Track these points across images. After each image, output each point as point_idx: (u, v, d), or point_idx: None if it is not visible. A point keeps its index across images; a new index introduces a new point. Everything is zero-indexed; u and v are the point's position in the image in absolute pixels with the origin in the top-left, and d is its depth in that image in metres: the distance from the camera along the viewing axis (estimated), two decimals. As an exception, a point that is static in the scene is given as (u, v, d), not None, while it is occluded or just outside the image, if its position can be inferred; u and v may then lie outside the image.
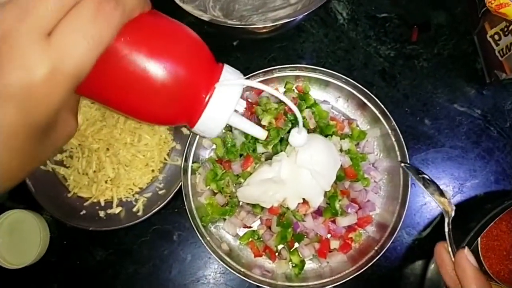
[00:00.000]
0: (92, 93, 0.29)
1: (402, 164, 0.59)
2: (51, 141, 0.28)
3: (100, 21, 0.24)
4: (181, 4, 0.56)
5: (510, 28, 0.57)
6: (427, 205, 0.65)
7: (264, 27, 0.58)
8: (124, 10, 0.25)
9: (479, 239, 0.57)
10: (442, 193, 0.53)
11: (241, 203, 0.63)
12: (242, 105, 0.34)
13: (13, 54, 0.22)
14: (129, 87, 0.28)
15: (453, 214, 0.52)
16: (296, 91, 0.66)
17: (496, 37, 0.62)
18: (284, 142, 0.61)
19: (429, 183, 0.54)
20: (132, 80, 0.27)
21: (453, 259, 0.46)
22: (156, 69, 0.27)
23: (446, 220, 0.52)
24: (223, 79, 0.32)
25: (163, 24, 0.30)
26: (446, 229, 0.51)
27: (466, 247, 0.44)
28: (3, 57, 0.22)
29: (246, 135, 0.63)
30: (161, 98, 0.29)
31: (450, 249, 0.47)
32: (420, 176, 0.55)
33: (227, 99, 0.32)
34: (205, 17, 0.55)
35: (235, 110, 0.33)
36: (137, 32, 0.27)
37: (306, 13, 0.56)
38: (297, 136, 0.44)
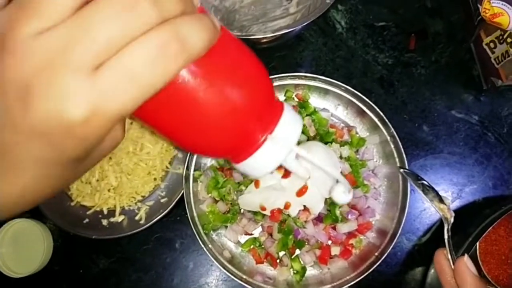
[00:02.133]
0: (140, 116, 0.27)
1: (402, 170, 0.60)
2: (92, 159, 0.26)
3: (159, 65, 0.20)
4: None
5: (505, 36, 0.58)
6: (427, 211, 0.66)
7: (264, 37, 0.59)
8: (190, 52, 0.21)
9: (477, 244, 0.58)
10: (441, 200, 0.54)
11: (242, 210, 0.63)
12: (293, 154, 0.31)
13: (52, 87, 0.19)
14: (181, 115, 0.25)
15: (452, 220, 0.52)
16: (296, 99, 0.67)
17: (492, 45, 0.63)
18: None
19: (428, 190, 0.55)
20: (186, 109, 0.25)
21: (452, 266, 0.46)
22: (215, 100, 0.25)
23: (446, 226, 0.52)
24: (279, 131, 0.28)
25: (232, 51, 0.27)
26: (446, 236, 0.51)
27: (466, 255, 0.45)
28: (41, 89, 0.19)
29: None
30: (213, 131, 0.26)
31: (449, 256, 0.48)
32: (419, 182, 0.56)
33: (277, 153, 0.28)
34: (206, 28, 0.56)
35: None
36: (202, 59, 0.24)
37: (305, 24, 0.57)
38: (344, 195, 0.40)
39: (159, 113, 0.26)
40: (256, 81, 0.28)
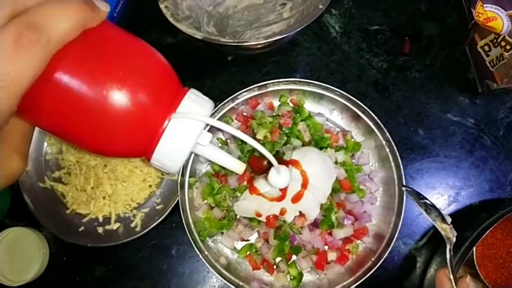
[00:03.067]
0: (34, 121, 0.26)
1: (404, 188, 0.59)
2: None
3: (19, 56, 0.20)
4: (174, 23, 0.57)
5: (499, 40, 0.58)
6: (423, 215, 0.65)
7: (258, 44, 0.59)
8: (50, 39, 0.21)
9: (474, 248, 0.58)
10: (443, 219, 0.53)
11: (238, 216, 0.63)
12: (207, 137, 0.30)
13: None
14: (69, 115, 0.25)
15: (454, 240, 0.52)
16: (290, 104, 0.67)
17: (486, 48, 0.63)
18: (279, 155, 0.62)
19: (430, 209, 0.54)
20: (71, 107, 0.24)
21: (454, 287, 0.46)
22: (97, 94, 0.24)
23: (448, 246, 0.52)
24: (183, 108, 0.28)
25: (109, 41, 0.26)
26: (448, 256, 0.51)
27: (469, 276, 0.44)
28: None
29: (242, 149, 0.63)
30: (107, 127, 0.25)
31: (451, 276, 0.47)
32: (422, 201, 0.55)
33: (186, 131, 0.27)
34: (199, 36, 0.56)
35: (199, 143, 0.30)
36: (74, 52, 0.23)
37: (298, 29, 0.57)
38: (277, 176, 0.38)
39: (48, 115, 0.25)
40: (146, 67, 0.27)
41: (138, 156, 0.29)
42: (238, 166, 0.33)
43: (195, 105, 0.28)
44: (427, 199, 0.55)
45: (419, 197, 0.56)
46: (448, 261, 0.50)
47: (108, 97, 0.24)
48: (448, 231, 0.53)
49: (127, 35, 0.28)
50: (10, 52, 0.20)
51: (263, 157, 0.62)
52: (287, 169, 0.38)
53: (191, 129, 0.27)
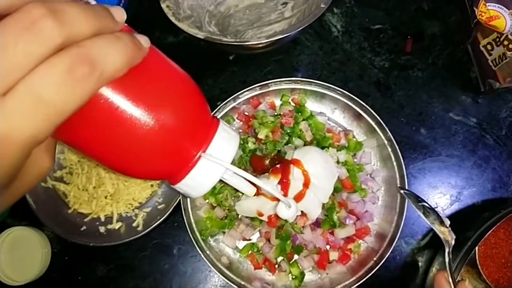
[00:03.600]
0: (65, 140, 0.26)
1: (402, 191, 0.59)
2: (18, 187, 0.25)
3: (69, 87, 0.20)
4: (176, 23, 0.57)
5: (501, 39, 0.58)
6: (411, 206, 0.66)
7: (259, 43, 0.59)
8: (102, 74, 0.21)
9: (477, 247, 0.57)
10: (442, 222, 0.53)
11: (240, 216, 0.63)
12: (229, 174, 0.32)
13: None
14: (106, 138, 0.25)
15: (453, 243, 0.52)
16: (292, 103, 0.67)
17: (489, 47, 0.63)
18: (281, 155, 0.62)
19: (429, 212, 0.54)
20: (111, 130, 0.24)
21: None
22: (139, 119, 0.24)
23: (447, 249, 0.52)
24: (213, 148, 0.29)
25: (156, 69, 0.26)
26: (447, 259, 0.50)
27: (467, 280, 0.44)
28: None
29: (243, 148, 0.63)
30: (141, 152, 0.26)
31: (450, 279, 0.47)
32: (420, 204, 0.55)
33: (214, 170, 0.29)
34: (200, 35, 0.56)
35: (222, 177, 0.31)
36: (124, 80, 0.23)
37: (300, 29, 0.57)
38: (286, 211, 0.40)
39: (84, 136, 0.25)
40: (186, 100, 0.27)
41: (159, 179, 0.30)
42: (250, 191, 0.35)
43: (224, 144, 0.29)
44: (425, 201, 0.55)
45: (417, 200, 0.56)
46: (446, 264, 0.50)
47: (149, 126, 0.25)
48: (446, 234, 0.52)
49: (167, 62, 0.28)
50: (60, 83, 0.19)
51: (264, 156, 0.62)
52: (294, 202, 0.41)
53: (219, 169, 0.29)
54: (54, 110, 0.20)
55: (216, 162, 0.28)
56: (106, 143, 0.25)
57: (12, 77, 0.19)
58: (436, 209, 0.65)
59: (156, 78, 0.26)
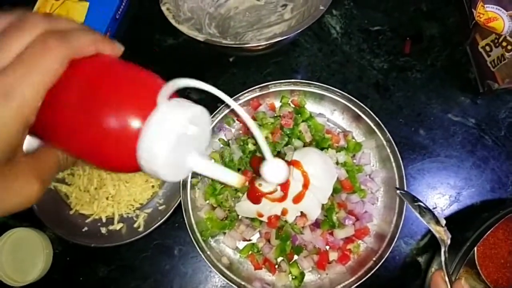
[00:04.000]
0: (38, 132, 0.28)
1: (398, 192, 0.59)
2: None
3: (48, 54, 0.25)
4: (176, 25, 0.57)
5: (500, 40, 0.58)
6: (408, 205, 0.66)
7: (259, 45, 0.59)
8: (72, 46, 0.26)
9: (475, 248, 0.58)
10: (438, 222, 0.53)
11: (240, 216, 0.64)
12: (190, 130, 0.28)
13: None
14: (64, 132, 0.27)
15: (449, 242, 0.52)
16: (292, 105, 0.67)
17: (488, 48, 0.63)
18: (281, 156, 0.62)
19: (425, 212, 0.54)
20: (65, 124, 0.27)
21: None
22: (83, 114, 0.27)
23: (443, 249, 0.52)
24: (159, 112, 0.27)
25: (107, 67, 0.29)
26: (443, 258, 0.51)
27: (463, 279, 0.45)
28: None
29: (243, 149, 0.64)
30: (93, 141, 0.27)
31: (447, 278, 0.48)
32: (416, 204, 0.55)
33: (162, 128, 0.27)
34: (200, 37, 0.56)
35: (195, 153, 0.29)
36: (75, 70, 0.27)
37: (299, 31, 0.57)
38: (271, 170, 0.33)
39: (48, 127, 0.28)
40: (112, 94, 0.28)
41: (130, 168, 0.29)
42: (237, 180, 0.30)
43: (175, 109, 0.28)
44: (421, 201, 0.55)
45: (413, 199, 0.56)
46: (443, 263, 0.50)
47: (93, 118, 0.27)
48: (442, 233, 0.53)
49: (125, 66, 0.29)
50: (42, 53, 0.25)
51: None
52: (282, 161, 0.34)
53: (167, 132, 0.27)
54: (42, 75, 0.25)
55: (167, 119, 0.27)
56: (61, 137, 0.28)
57: (8, 58, 0.25)
58: (435, 210, 0.65)
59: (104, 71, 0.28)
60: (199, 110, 0.29)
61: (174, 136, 0.27)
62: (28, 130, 0.27)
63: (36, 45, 0.25)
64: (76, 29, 0.27)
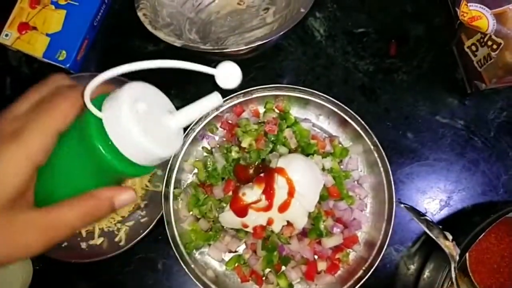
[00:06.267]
0: None
1: (402, 205, 0.58)
2: None
3: (60, 101, 0.28)
4: (152, 31, 0.56)
5: (485, 39, 0.57)
6: (414, 220, 0.64)
7: (240, 49, 0.57)
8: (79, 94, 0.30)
9: (467, 253, 0.56)
10: (446, 236, 0.52)
11: (225, 227, 0.62)
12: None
13: None
14: None
15: (457, 258, 0.51)
16: (276, 110, 0.65)
17: (473, 48, 0.62)
18: (265, 163, 0.60)
19: (432, 226, 0.53)
20: None
21: None
22: None
23: (453, 265, 0.51)
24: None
25: None
26: (453, 275, 0.49)
27: None
28: None
29: (226, 158, 0.62)
30: None
31: None
32: (423, 218, 0.54)
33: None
34: (178, 43, 0.55)
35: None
36: None
37: (280, 34, 0.56)
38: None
39: None
40: None
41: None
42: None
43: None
44: (426, 215, 0.54)
45: (419, 214, 0.55)
46: (454, 280, 0.49)
47: None
48: (451, 249, 0.51)
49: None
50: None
51: (248, 166, 0.61)
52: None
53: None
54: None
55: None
56: None
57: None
58: (425, 214, 0.63)
59: None
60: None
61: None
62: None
63: (49, 94, 0.28)
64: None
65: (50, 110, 0.27)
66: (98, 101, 0.29)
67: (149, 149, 0.29)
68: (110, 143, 0.29)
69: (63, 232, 0.28)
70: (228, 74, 0.34)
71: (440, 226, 0.53)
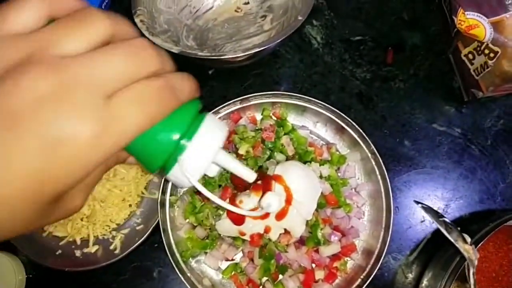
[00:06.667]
0: None
1: (420, 205, 0.57)
2: (48, 219, 0.26)
3: (156, 102, 0.24)
4: (150, 37, 0.55)
5: (482, 48, 0.57)
6: (412, 228, 0.64)
7: (238, 56, 0.57)
8: (177, 100, 0.26)
9: (466, 262, 0.56)
10: (464, 239, 0.50)
11: (222, 235, 0.61)
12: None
13: (74, 103, 0.21)
14: None
15: (476, 263, 0.49)
16: (273, 117, 0.65)
17: (470, 56, 0.62)
18: (262, 171, 0.60)
19: (451, 228, 0.51)
20: None
21: None
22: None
23: (472, 270, 0.49)
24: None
25: None
26: (472, 281, 0.48)
27: None
28: (62, 103, 0.21)
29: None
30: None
31: None
32: (441, 219, 0.52)
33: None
34: (175, 50, 0.54)
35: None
36: None
37: (278, 41, 0.56)
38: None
39: None
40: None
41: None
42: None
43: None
44: (445, 217, 0.52)
45: (437, 215, 0.53)
46: (472, 285, 0.47)
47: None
48: (471, 253, 0.49)
49: None
50: (153, 97, 0.24)
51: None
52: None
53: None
54: (146, 118, 0.24)
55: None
56: None
57: (120, 84, 0.23)
58: (423, 223, 0.63)
59: None
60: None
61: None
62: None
63: (152, 85, 0.24)
64: (178, 78, 0.27)
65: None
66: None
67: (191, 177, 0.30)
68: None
69: (100, 175, 0.29)
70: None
71: (459, 228, 0.51)
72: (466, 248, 0.50)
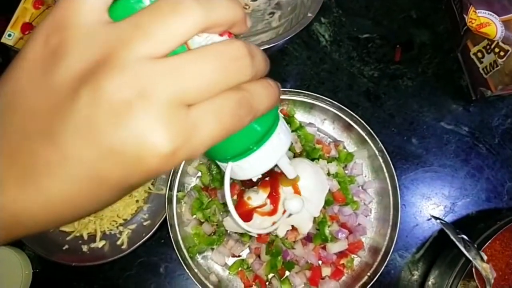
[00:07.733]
0: None
1: (438, 221, 0.57)
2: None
3: (231, 119, 0.22)
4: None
5: (492, 46, 0.57)
6: (419, 226, 0.64)
7: (246, 53, 0.57)
8: (253, 117, 0.24)
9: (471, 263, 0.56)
10: (482, 258, 0.51)
11: (229, 231, 0.61)
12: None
13: (150, 113, 0.20)
14: None
15: (493, 281, 0.50)
16: (281, 114, 0.65)
17: (479, 54, 0.62)
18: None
19: (469, 246, 0.52)
20: None
21: None
22: None
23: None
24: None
25: None
26: None
27: None
28: (139, 111, 0.19)
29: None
30: None
31: None
32: (460, 236, 0.52)
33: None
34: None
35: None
36: None
37: (287, 38, 0.56)
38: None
39: None
40: None
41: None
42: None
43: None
44: (463, 234, 0.53)
45: (455, 231, 0.53)
46: None
47: None
48: (488, 272, 0.50)
49: None
50: (230, 113, 0.22)
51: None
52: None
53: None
54: (221, 130, 0.22)
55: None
56: None
57: (202, 95, 0.21)
58: (429, 221, 0.63)
59: None
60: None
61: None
62: None
63: (232, 99, 0.22)
64: (260, 91, 0.24)
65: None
66: None
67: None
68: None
69: None
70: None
71: (476, 245, 0.52)
72: (484, 266, 0.51)
